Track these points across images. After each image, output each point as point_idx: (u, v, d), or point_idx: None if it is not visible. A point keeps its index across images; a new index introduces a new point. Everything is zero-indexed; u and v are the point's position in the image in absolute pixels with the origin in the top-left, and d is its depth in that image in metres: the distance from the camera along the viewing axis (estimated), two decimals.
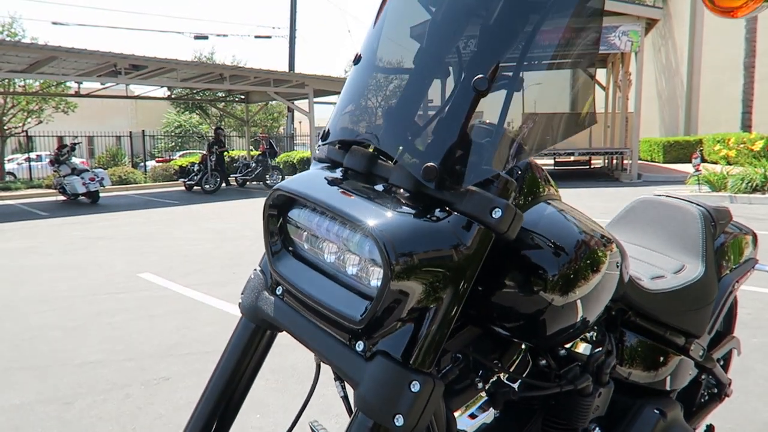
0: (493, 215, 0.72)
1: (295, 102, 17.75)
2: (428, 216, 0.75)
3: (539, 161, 0.96)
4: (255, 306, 0.94)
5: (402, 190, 0.78)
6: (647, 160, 19.84)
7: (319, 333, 0.82)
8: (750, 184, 9.55)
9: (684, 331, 1.39)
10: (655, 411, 1.26)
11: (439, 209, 0.75)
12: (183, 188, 15.68)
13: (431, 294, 0.72)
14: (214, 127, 18.04)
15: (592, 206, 9.67)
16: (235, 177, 16.23)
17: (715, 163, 12.79)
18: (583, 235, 0.89)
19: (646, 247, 1.54)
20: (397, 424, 0.70)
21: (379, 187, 0.81)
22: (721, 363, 1.79)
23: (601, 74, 19.55)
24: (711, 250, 1.50)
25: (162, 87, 17.24)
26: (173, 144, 28.76)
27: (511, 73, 0.76)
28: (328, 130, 0.93)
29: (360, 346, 0.76)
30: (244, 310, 0.98)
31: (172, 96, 20.07)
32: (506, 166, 0.78)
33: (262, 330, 0.99)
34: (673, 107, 21.98)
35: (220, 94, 19.92)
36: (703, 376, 1.60)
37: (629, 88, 16.12)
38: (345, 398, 1.03)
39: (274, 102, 21.21)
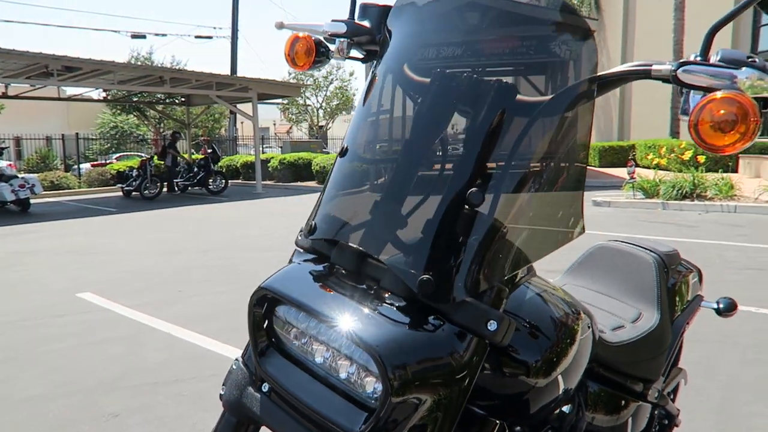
0: (489, 327, 0.73)
1: (239, 105, 17.43)
2: (423, 325, 0.75)
3: None
4: (239, 401, 0.92)
5: (393, 294, 0.78)
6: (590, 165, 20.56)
7: None
8: (680, 191, 10.06)
9: (642, 378, 1.45)
10: None
11: (432, 317, 0.75)
12: (121, 194, 15.12)
13: (431, 405, 0.72)
14: (171, 131, 17.52)
15: None
16: (177, 182, 15.76)
17: (648, 167, 13.39)
18: (560, 314, 0.92)
19: (605, 293, 1.60)
20: None
21: (369, 288, 0.81)
22: (671, 396, 1.88)
23: (540, 81, 20.14)
24: (665, 296, 1.57)
25: (97, 89, 16.54)
26: (108, 146, 27.63)
27: (500, 178, 0.78)
28: (314, 224, 0.90)
29: None
30: (227, 405, 0.95)
31: (108, 98, 19.31)
32: (501, 278, 0.79)
33: (245, 425, 0.96)
34: (607, 113, 22.86)
35: (159, 96, 19.30)
36: (656, 411, 1.67)
37: None
38: None
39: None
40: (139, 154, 24.87)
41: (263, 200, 13.59)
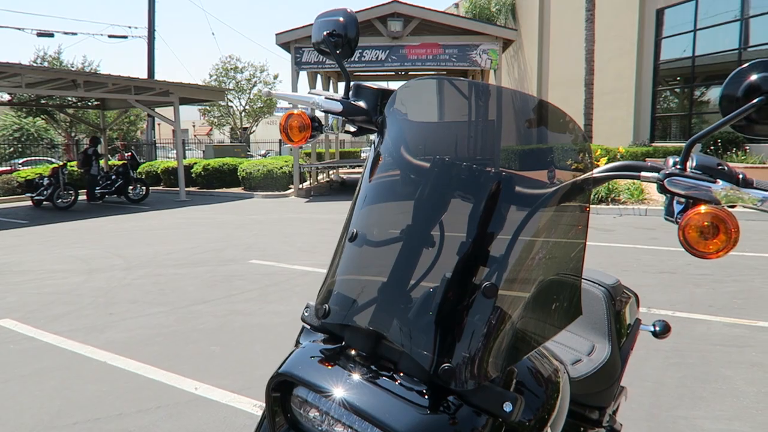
0: (505, 408, 0.79)
1: (158, 109, 16.80)
2: (443, 408, 0.80)
3: None
4: None
5: (411, 377, 0.82)
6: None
7: None
8: (596, 195, 10.68)
9: (598, 406, 1.57)
10: None
11: (451, 398, 0.81)
12: (30, 204, 14.19)
13: None
14: (91, 136, 16.58)
15: None
16: (93, 191, 14.96)
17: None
18: (544, 371, 1.00)
19: None
20: None
21: (386, 370, 0.85)
22: (615, 414, 2.03)
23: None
24: (614, 328, 1.70)
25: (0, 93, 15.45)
26: (11, 150, 25.81)
27: (504, 266, 0.84)
28: (328, 308, 0.93)
29: None
30: None
31: (14, 101, 18.06)
32: (515, 362, 0.86)
33: None
34: None
35: (71, 99, 18.26)
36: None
37: None
38: None
39: None
40: (49, 159, 23.41)
41: (188, 209, 13.17)
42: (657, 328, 2.06)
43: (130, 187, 14.82)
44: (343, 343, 0.91)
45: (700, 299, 4.79)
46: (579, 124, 0.93)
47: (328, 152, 22.51)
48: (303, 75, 16.47)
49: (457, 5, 29.08)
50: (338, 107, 1.19)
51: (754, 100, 0.81)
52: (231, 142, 35.73)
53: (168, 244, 8.32)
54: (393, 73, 20.59)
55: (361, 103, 1.19)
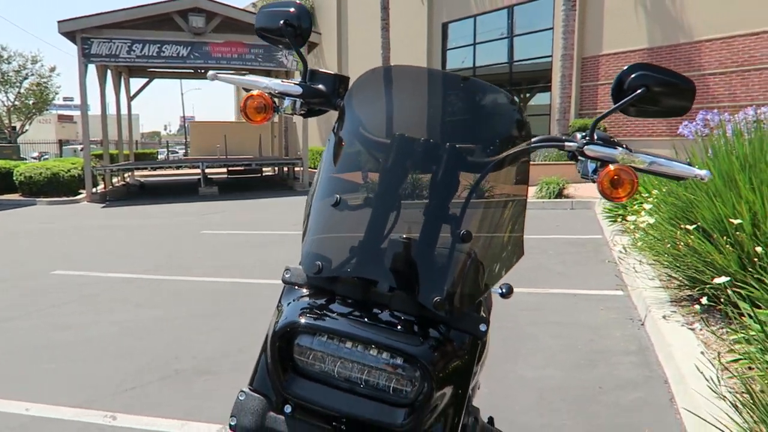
0: (481, 329, 0.99)
1: None
2: (437, 334, 0.97)
3: None
4: (259, 426, 0.98)
5: (404, 313, 0.98)
6: (313, 168, 21.88)
7: None
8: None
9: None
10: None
11: (441, 326, 0.98)
12: None
13: (454, 392, 0.95)
14: None
15: (285, 219, 10.31)
16: None
17: None
18: (489, 301, 1.24)
19: None
20: None
21: (382, 313, 0.99)
22: None
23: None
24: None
25: None
26: None
27: (469, 218, 1.04)
28: (321, 264, 1.03)
29: None
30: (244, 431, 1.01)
31: None
32: (486, 293, 1.06)
33: None
34: (328, 121, 24.63)
35: None
36: None
37: None
38: None
39: None
40: None
41: None
42: (503, 290, 2.46)
43: None
44: (334, 295, 1.03)
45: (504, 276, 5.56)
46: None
47: (122, 153, 20.79)
48: (91, 68, 15.03)
49: (254, 5, 28.82)
50: (297, 90, 1.30)
51: (638, 91, 1.15)
52: None
53: None
54: (192, 71, 19.78)
55: (321, 87, 1.31)
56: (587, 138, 1.19)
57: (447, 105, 1.23)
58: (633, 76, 1.16)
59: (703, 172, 1.15)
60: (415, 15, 21.38)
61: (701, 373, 2.64)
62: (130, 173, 19.25)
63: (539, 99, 18.48)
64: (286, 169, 19.62)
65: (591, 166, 1.21)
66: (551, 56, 17.11)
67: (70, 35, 14.16)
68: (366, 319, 0.97)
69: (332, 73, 1.35)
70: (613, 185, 1.14)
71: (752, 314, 2.65)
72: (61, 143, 31.79)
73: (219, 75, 1.38)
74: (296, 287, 1.07)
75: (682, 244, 3.55)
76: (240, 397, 1.02)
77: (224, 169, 20.93)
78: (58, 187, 14.64)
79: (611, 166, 1.14)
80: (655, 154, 1.20)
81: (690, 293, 3.95)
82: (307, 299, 1.03)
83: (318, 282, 1.05)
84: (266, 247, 7.55)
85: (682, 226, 3.56)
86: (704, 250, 3.50)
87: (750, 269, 3.11)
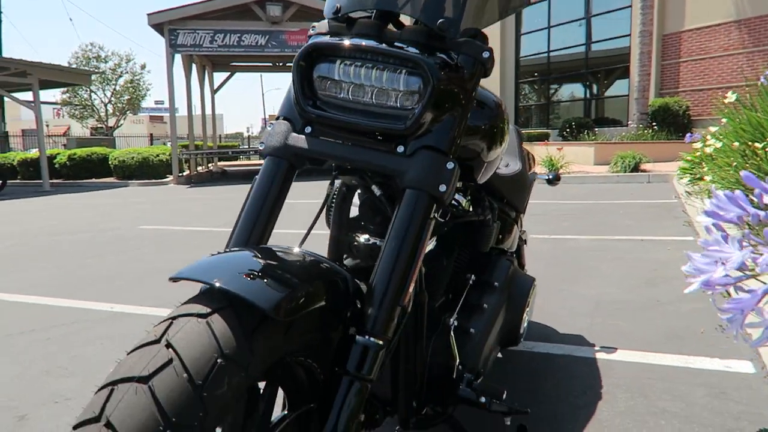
0: (484, 55, 1.09)
1: (12, 94, 15.42)
2: (444, 55, 1.07)
3: None
4: (284, 145, 1.11)
5: (410, 46, 1.08)
6: None
7: (358, 149, 1.08)
8: None
9: (514, 207, 1.96)
10: (507, 260, 1.77)
11: (445, 50, 1.08)
12: None
13: (455, 101, 1.06)
14: None
15: None
16: None
17: None
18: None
19: None
20: (441, 190, 1.03)
21: (395, 42, 1.09)
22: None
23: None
24: (522, 152, 2.09)
25: None
26: None
27: None
28: (339, 6, 1.12)
29: (401, 148, 1.05)
30: (272, 150, 1.12)
31: None
32: (489, 23, 1.14)
33: (287, 165, 1.13)
34: None
35: None
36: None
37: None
38: None
39: None
40: None
41: (57, 197, 12.29)
42: (551, 176, 2.51)
43: None
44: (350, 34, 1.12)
45: (567, 228, 5.51)
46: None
47: (207, 145, 21.88)
48: (178, 59, 15.95)
49: None
50: None
51: None
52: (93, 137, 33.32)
53: (53, 220, 7.81)
54: (271, 64, 20.48)
55: None
56: None
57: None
58: None
59: None
60: None
61: None
62: (213, 162, 20.24)
63: (617, 88, 17.78)
64: None
65: None
66: (629, 35, 16.48)
67: (158, 27, 15.08)
68: (381, 43, 1.07)
69: None
70: None
71: None
72: (152, 137, 33.80)
73: None
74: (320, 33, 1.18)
75: (749, 164, 3.42)
76: (271, 125, 1.15)
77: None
78: (148, 170, 15.65)
79: None
80: None
81: None
82: (329, 38, 1.14)
83: (335, 29, 1.15)
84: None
85: (750, 145, 3.42)
86: None
87: None
